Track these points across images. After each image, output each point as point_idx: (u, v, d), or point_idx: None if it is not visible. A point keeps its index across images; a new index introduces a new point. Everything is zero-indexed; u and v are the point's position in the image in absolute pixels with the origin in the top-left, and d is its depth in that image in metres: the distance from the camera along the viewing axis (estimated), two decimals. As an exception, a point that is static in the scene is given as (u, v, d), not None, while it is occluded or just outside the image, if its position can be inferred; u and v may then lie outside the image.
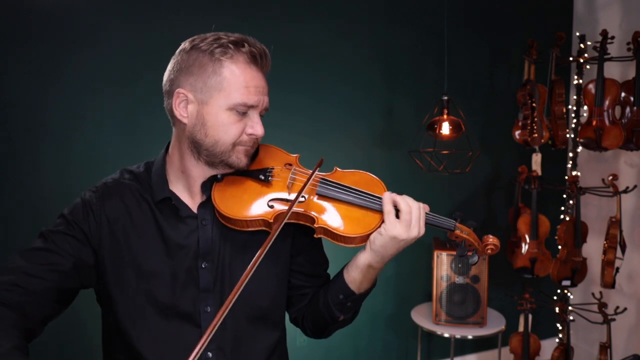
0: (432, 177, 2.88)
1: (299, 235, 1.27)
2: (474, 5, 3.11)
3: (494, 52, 3.21)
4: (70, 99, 2.41)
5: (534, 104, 2.74)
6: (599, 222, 3.13)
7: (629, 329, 3.04)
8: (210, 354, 1.16)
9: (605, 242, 2.72)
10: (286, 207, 1.13)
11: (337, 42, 2.84)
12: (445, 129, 2.53)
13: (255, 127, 1.13)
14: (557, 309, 2.90)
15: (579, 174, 2.87)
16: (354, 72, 2.90)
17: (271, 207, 1.16)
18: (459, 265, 2.76)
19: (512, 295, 3.08)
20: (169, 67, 1.15)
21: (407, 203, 1.14)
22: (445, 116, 2.56)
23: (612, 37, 2.62)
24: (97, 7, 2.42)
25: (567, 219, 2.83)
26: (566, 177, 2.90)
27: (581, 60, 2.79)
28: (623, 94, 2.62)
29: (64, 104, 2.41)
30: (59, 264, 1.08)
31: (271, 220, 1.14)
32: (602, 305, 2.78)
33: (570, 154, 2.90)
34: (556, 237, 2.82)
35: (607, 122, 2.62)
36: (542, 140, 2.76)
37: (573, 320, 2.92)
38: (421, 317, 2.89)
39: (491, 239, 1.21)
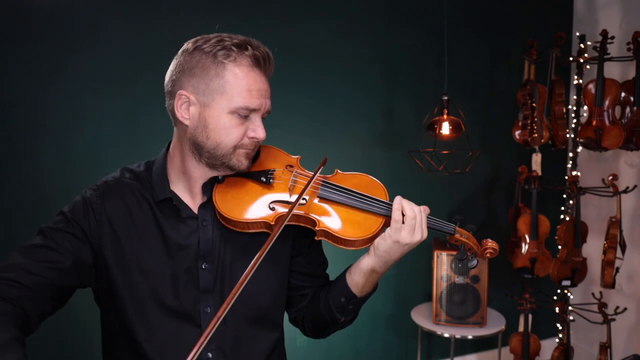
0: (432, 177, 2.88)
1: (299, 237, 1.27)
2: (474, 5, 3.11)
3: (494, 52, 3.21)
4: (70, 99, 2.41)
5: (534, 104, 2.74)
6: (599, 222, 3.13)
7: (629, 329, 3.04)
8: (210, 354, 1.16)
9: (605, 242, 2.72)
10: (287, 210, 1.13)
11: (337, 42, 2.84)
12: (445, 129, 2.53)
13: (257, 130, 1.13)
14: (557, 309, 2.90)
15: (579, 174, 2.87)
16: (354, 72, 2.90)
17: (272, 209, 1.16)
18: (459, 265, 2.76)
19: (512, 295, 3.08)
20: (171, 67, 1.15)
21: (411, 208, 1.15)
22: (445, 116, 2.56)
23: (612, 37, 2.62)
24: (97, 7, 2.42)
25: (567, 219, 2.83)
26: (566, 177, 2.90)
27: (581, 60, 2.79)
28: (623, 94, 2.62)
29: (64, 104, 2.41)
30: (59, 261, 1.08)
31: (272, 223, 1.14)
32: (602, 305, 2.78)
33: (570, 154, 2.90)
34: (556, 237, 2.82)
35: (607, 122, 2.62)
36: (542, 140, 2.76)
37: (573, 320, 2.92)
38: (421, 317, 2.89)
39: (490, 243, 1.21)
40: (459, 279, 2.77)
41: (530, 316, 2.90)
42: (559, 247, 2.82)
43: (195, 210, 1.19)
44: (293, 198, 1.17)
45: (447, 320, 2.79)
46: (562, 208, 2.92)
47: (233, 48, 1.09)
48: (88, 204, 1.15)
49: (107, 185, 1.19)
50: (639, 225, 2.97)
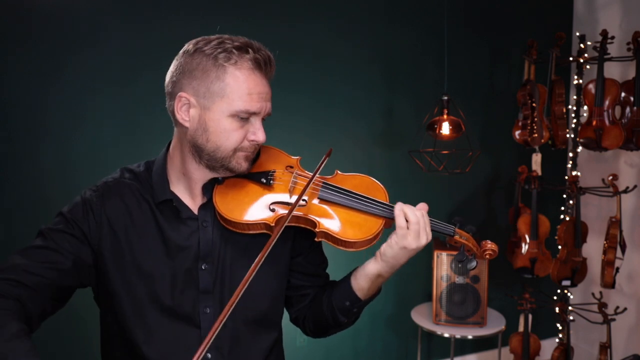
0: (432, 177, 2.88)
1: (299, 238, 1.27)
2: (474, 5, 3.11)
3: (494, 52, 3.21)
4: (70, 99, 2.41)
5: (534, 104, 2.74)
6: (599, 222, 3.13)
7: (629, 329, 3.04)
8: (209, 355, 1.16)
9: (605, 242, 2.72)
10: (287, 211, 1.13)
11: (337, 42, 2.84)
12: (445, 129, 2.53)
13: (257, 133, 1.13)
14: (557, 309, 2.90)
15: (579, 174, 2.87)
16: (354, 72, 2.90)
17: (273, 210, 1.16)
18: (459, 266, 2.76)
19: (512, 295, 3.08)
20: (172, 68, 1.14)
21: (414, 213, 1.15)
22: (445, 116, 2.56)
23: (612, 37, 2.62)
24: (97, 7, 2.42)
25: (567, 219, 2.83)
26: (566, 177, 2.90)
27: (581, 60, 2.79)
28: (623, 94, 2.62)
29: (64, 104, 2.41)
30: (59, 262, 1.08)
31: (273, 224, 1.14)
32: (602, 305, 2.78)
33: (570, 154, 2.90)
34: (556, 237, 2.82)
35: (607, 122, 2.62)
36: (542, 140, 2.76)
37: (573, 320, 2.92)
38: (421, 317, 2.89)
39: (489, 245, 1.22)
40: (459, 279, 2.77)
41: (530, 316, 2.90)
42: (559, 247, 2.82)
43: (195, 211, 1.19)
44: (293, 199, 1.17)
45: (447, 320, 2.79)
46: (562, 208, 2.92)
47: (234, 51, 1.09)
48: (87, 205, 1.15)
49: (107, 186, 1.18)
50: (639, 225, 2.97)
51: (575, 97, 2.85)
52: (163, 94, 1.17)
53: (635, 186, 2.72)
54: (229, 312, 0.91)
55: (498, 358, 2.93)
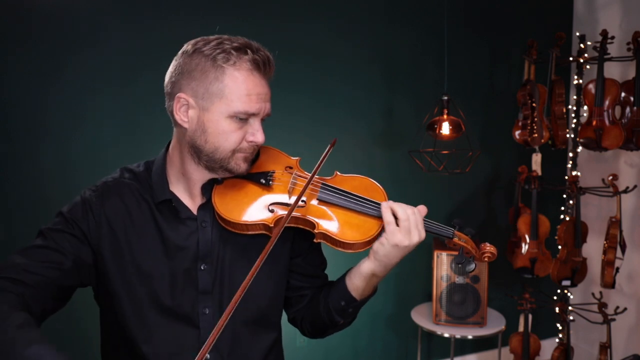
0: (432, 177, 2.88)
1: (298, 239, 1.27)
2: (474, 5, 3.11)
3: (494, 52, 3.21)
4: (70, 99, 2.41)
5: (534, 104, 2.74)
6: (599, 222, 3.13)
7: (629, 329, 3.04)
8: (208, 356, 1.16)
9: (605, 242, 2.72)
10: (286, 212, 1.13)
11: (337, 42, 2.84)
12: (445, 129, 2.53)
13: (256, 134, 1.13)
14: (557, 309, 2.90)
15: (579, 174, 2.87)
16: (354, 72, 2.90)
17: (272, 211, 1.15)
18: (459, 266, 2.76)
19: (512, 295, 3.08)
20: (171, 68, 1.14)
21: (404, 210, 1.14)
22: (445, 116, 2.56)
23: (612, 37, 2.62)
24: (97, 7, 2.42)
25: (567, 219, 2.83)
26: (566, 177, 2.90)
27: (581, 60, 2.79)
28: (623, 94, 2.62)
29: (64, 104, 2.41)
30: (59, 261, 1.08)
31: (272, 225, 1.13)
32: (602, 305, 2.78)
33: (570, 154, 2.90)
34: (556, 237, 2.82)
35: (607, 122, 2.62)
36: (542, 140, 2.76)
37: (573, 320, 2.92)
38: (421, 317, 2.89)
39: (488, 247, 1.21)
40: (459, 279, 2.77)
41: (530, 316, 2.90)
42: (559, 247, 2.82)
43: (195, 211, 1.19)
44: (292, 200, 1.17)
45: (447, 320, 2.79)
46: (562, 208, 2.92)
47: (232, 52, 1.08)
48: (87, 205, 1.15)
49: (107, 186, 1.18)
50: (639, 225, 2.97)
51: (575, 97, 2.85)
52: (163, 94, 1.17)
53: (635, 186, 2.72)
54: (229, 317, 0.91)
55: (498, 358, 2.93)
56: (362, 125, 2.96)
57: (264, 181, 1.19)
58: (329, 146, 1.22)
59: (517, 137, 2.89)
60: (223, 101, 1.09)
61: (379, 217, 1.17)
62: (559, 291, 2.94)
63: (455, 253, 1.23)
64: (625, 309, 2.76)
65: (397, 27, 2.96)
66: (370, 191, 1.21)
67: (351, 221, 1.17)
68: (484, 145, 3.09)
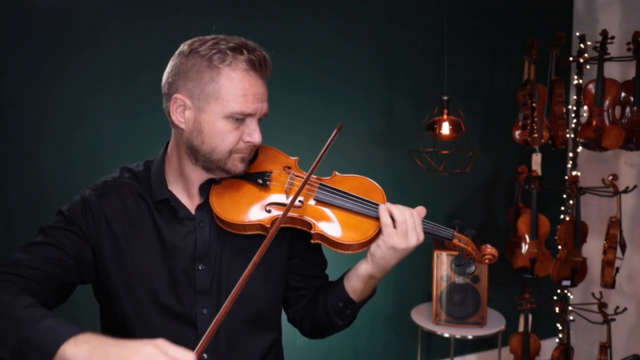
0: (432, 177, 2.88)
1: (296, 239, 1.26)
2: (474, 5, 3.11)
3: (494, 52, 3.21)
4: (70, 99, 2.41)
5: (534, 104, 2.74)
6: (599, 222, 3.13)
7: (629, 329, 3.04)
8: (205, 355, 1.16)
9: (605, 242, 2.71)
10: (283, 212, 1.13)
11: (337, 42, 2.84)
12: (445, 129, 2.53)
13: (253, 134, 1.12)
14: (557, 309, 2.90)
15: (579, 174, 2.87)
16: (354, 72, 2.90)
17: (268, 211, 1.15)
18: (459, 267, 2.75)
19: (512, 295, 3.08)
20: (168, 69, 1.14)
21: (401, 212, 1.13)
22: (445, 116, 2.56)
23: (612, 37, 2.62)
24: (97, 7, 2.42)
25: (567, 219, 2.83)
26: (566, 177, 2.90)
27: (581, 60, 2.79)
28: (623, 94, 2.62)
29: (64, 104, 2.41)
30: (60, 258, 1.08)
31: (268, 225, 1.13)
32: (602, 305, 2.78)
33: (570, 154, 2.90)
34: (556, 237, 2.82)
35: (607, 122, 2.62)
36: (542, 140, 2.76)
37: (573, 320, 2.92)
38: (421, 317, 2.89)
39: (489, 249, 1.20)
40: (459, 279, 2.77)
41: (530, 316, 2.90)
42: (559, 247, 2.82)
43: (193, 211, 1.19)
44: (289, 200, 1.16)
45: (447, 320, 2.79)
46: (562, 208, 2.92)
47: (228, 52, 1.08)
48: (86, 204, 1.15)
49: (106, 185, 1.19)
50: (639, 225, 2.97)
51: (575, 97, 2.85)
52: (161, 94, 1.17)
53: (635, 186, 2.72)
54: (224, 317, 0.90)
55: (498, 358, 2.93)
56: (362, 125, 2.95)
57: (261, 181, 1.18)
58: (335, 130, 1.21)
59: (517, 137, 2.89)
60: (219, 102, 1.08)
61: (377, 218, 1.15)
62: (559, 291, 2.94)
63: (456, 253, 1.22)
64: (625, 309, 2.76)
65: (397, 27, 2.96)
66: (369, 191, 1.20)
67: (349, 222, 1.16)
68: (484, 145, 3.09)
